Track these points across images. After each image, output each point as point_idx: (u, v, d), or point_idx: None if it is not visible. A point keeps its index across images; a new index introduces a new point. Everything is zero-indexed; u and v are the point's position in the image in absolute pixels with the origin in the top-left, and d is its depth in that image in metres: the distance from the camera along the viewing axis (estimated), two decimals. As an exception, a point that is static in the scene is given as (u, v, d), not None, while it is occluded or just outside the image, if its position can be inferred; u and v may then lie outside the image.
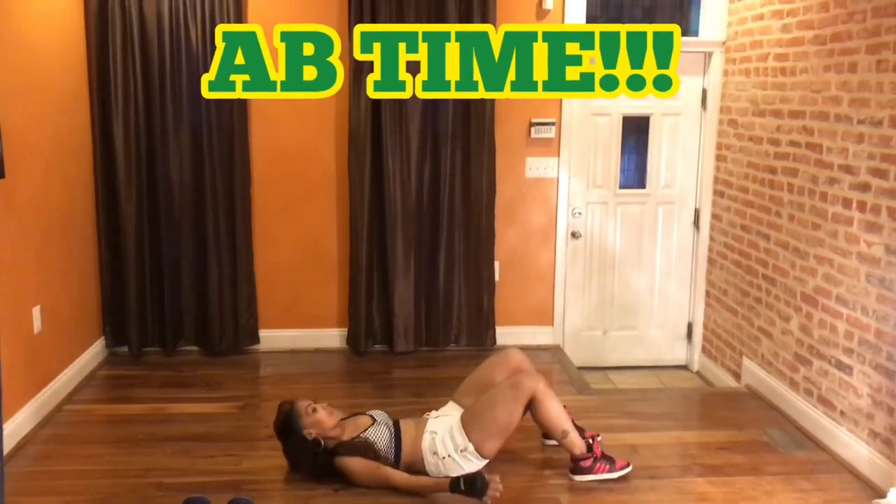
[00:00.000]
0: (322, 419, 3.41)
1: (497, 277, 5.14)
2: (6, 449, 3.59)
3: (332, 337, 5.17)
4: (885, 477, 3.39)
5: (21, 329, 3.83)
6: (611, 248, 5.34)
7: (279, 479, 3.44)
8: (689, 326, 5.47)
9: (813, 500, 3.34)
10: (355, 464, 3.32)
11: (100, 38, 4.59)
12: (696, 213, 5.31)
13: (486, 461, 3.45)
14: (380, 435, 3.41)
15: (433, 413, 3.62)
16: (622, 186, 5.30)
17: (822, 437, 3.88)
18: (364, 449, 3.36)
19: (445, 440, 3.39)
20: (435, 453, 3.38)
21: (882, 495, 3.33)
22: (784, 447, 3.83)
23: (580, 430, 3.80)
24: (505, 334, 5.17)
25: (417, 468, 3.42)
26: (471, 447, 3.37)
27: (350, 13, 4.70)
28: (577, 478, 3.42)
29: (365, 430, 3.42)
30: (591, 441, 3.46)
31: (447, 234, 4.99)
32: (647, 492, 3.38)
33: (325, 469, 3.37)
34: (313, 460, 3.37)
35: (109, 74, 4.60)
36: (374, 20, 4.68)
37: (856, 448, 3.62)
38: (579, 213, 5.27)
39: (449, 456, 3.37)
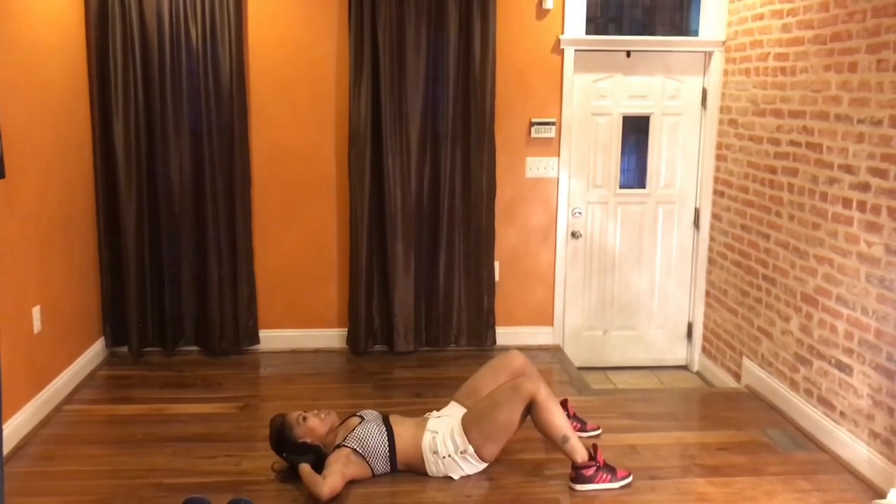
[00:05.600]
0: (314, 427, 3.42)
1: (497, 277, 5.14)
2: (6, 449, 3.59)
3: (332, 337, 5.17)
4: (885, 477, 3.39)
5: (21, 329, 3.83)
6: (611, 247, 5.34)
7: (279, 480, 3.44)
8: (689, 326, 5.47)
9: (813, 501, 3.34)
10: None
11: (100, 38, 4.59)
12: (696, 212, 5.31)
13: (486, 464, 3.46)
14: (368, 432, 3.41)
15: (434, 413, 3.63)
16: (622, 186, 5.29)
17: (822, 437, 3.88)
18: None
19: (446, 440, 3.40)
20: (435, 452, 3.40)
21: (882, 496, 3.33)
22: (784, 447, 3.83)
23: (582, 423, 3.82)
24: (505, 334, 5.17)
25: (416, 466, 3.44)
26: (470, 449, 3.38)
27: (350, 13, 4.70)
28: (578, 486, 3.37)
29: (353, 431, 3.43)
30: (593, 449, 3.44)
31: (447, 234, 4.99)
32: (647, 492, 3.38)
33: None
34: (315, 463, 3.37)
35: (109, 75, 4.61)
36: (374, 20, 4.68)
37: (856, 448, 3.61)
38: (579, 213, 5.27)
39: (449, 456, 3.39)
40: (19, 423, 3.75)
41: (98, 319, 4.87)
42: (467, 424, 3.40)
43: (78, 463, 3.59)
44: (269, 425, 3.51)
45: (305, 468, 3.29)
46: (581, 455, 3.37)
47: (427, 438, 3.43)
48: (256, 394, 4.47)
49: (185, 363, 4.87)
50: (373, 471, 3.40)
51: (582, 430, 3.80)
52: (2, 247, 3.63)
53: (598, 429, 3.89)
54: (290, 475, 3.41)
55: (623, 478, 3.41)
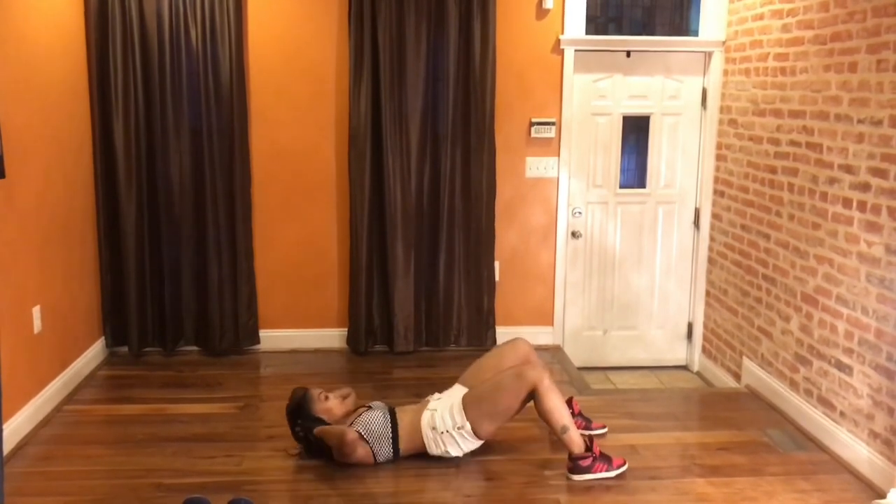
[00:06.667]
0: (332, 407, 3.61)
1: (497, 277, 5.14)
2: (6, 449, 3.59)
3: (332, 337, 5.17)
4: (885, 477, 3.39)
5: (21, 329, 3.83)
6: (611, 247, 5.34)
7: (279, 479, 3.45)
8: (689, 326, 5.47)
9: (813, 501, 3.34)
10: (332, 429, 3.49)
11: (100, 38, 4.59)
12: (696, 212, 5.31)
13: (482, 441, 3.55)
14: (373, 418, 3.52)
15: (436, 395, 3.72)
16: (622, 186, 5.29)
17: (822, 437, 3.88)
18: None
19: (445, 417, 3.50)
20: (434, 428, 3.50)
21: (882, 496, 3.33)
22: (784, 448, 3.83)
23: (588, 421, 3.84)
24: (505, 334, 5.14)
25: (418, 447, 3.53)
26: (468, 426, 3.47)
27: (350, 13, 4.70)
28: (576, 477, 3.43)
29: (359, 417, 3.54)
30: (589, 440, 3.47)
31: (447, 234, 4.99)
32: (647, 492, 3.38)
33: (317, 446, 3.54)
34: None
35: (109, 75, 4.61)
36: (374, 20, 4.68)
37: (856, 448, 3.61)
38: (579, 213, 5.26)
39: (447, 431, 3.49)
40: (19, 423, 3.75)
41: (98, 319, 4.87)
42: (467, 403, 3.50)
43: (78, 463, 3.59)
44: (290, 395, 3.66)
45: (324, 427, 3.48)
46: (579, 446, 3.44)
47: (426, 416, 3.54)
48: (256, 394, 4.47)
49: (185, 363, 4.87)
50: (375, 457, 3.49)
51: (587, 428, 3.82)
52: (2, 247, 3.63)
53: (604, 427, 3.90)
54: (304, 453, 3.53)
55: (619, 466, 3.48)
